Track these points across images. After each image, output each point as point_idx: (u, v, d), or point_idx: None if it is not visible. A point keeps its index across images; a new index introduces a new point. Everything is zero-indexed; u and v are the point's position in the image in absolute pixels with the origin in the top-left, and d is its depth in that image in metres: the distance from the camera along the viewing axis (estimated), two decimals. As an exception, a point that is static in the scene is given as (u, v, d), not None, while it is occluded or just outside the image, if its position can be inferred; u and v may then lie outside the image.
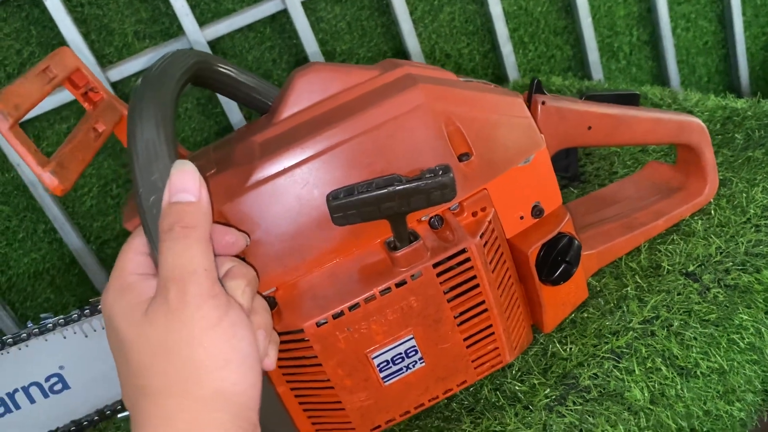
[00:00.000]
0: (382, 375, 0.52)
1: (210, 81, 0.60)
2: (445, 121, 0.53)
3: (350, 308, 0.50)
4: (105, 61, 1.09)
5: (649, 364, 0.57)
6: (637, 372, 0.57)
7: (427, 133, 0.52)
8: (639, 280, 0.64)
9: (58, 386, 0.67)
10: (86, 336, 0.66)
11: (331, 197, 0.47)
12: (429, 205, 0.47)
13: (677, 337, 0.59)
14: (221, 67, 0.60)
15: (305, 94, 0.54)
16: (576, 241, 0.58)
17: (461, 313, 0.52)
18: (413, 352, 0.52)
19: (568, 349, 0.60)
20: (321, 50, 1.16)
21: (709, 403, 0.61)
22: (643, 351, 0.58)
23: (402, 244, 0.50)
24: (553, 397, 0.56)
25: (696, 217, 0.69)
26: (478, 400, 0.59)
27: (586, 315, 0.63)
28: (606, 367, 0.57)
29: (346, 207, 0.47)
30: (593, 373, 0.57)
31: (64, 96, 1.03)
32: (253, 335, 0.41)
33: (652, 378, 0.57)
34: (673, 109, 0.89)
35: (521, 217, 0.57)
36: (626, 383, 0.56)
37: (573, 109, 0.62)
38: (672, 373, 0.57)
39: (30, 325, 0.64)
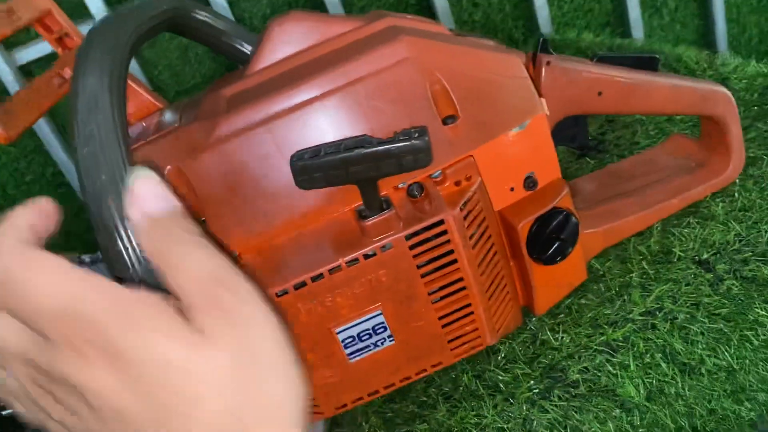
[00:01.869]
0: (347, 351, 0.48)
1: (186, 29, 0.56)
2: (431, 79, 0.48)
3: (313, 279, 0.46)
4: (113, 1, 1.06)
5: (647, 360, 0.52)
6: (632, 367, 0.52)
7: (410, 92, 0.48)
8: (646, 266, 0.59)
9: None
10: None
11: (296, 158, 0.43)
12: (401, 171, 0.43)
13: (681, 331, 0.53)
14: (198, 14, 0.56)
15: (281, 45, 0.50)
16: (573, 218, 0.52)
17: (436, 290, 0.48)
18: (382, 329, 0.48)
19: (559, 338, 0.55)
20: (339, -3, 1.11)
21: (714, 402, 0.55)
22: (641, 345, 0.53)
23: (372, 212, 0.46)
24: (537, 390, 0.52)
25: (718, 199, 0.63)
26: (457, 387, 0.55)
27: (583, 301, 0.58)
28: (598, 360, 0.52)
29: (311, 169, 0.43)
30: (583, 367, 0.52)
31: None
32: None
33: (650, 374, 0.52)
34: (707, 75, 0.82)
35: (512, 189, 0.52)
36: (619, 379, 0.52)
37: (582, 72, 0.56)
38: (673, 370, 0.52)
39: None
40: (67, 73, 0.54)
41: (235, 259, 0.48)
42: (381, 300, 0.47)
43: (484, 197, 0.50)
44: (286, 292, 0.46)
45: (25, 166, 1.10)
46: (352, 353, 0.48)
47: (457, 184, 0.49)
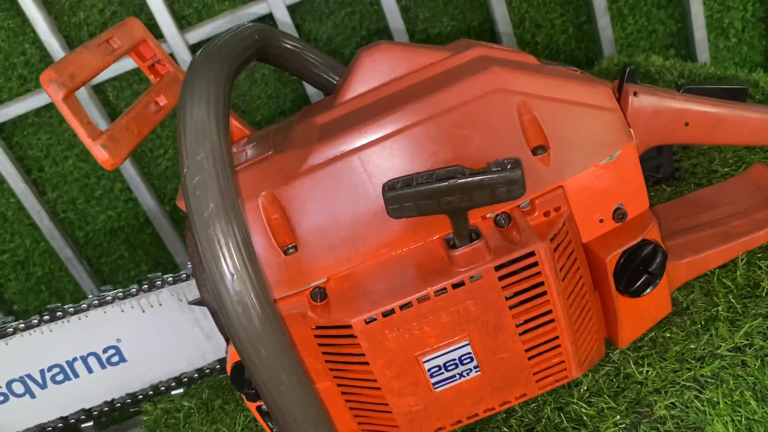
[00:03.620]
0: (433, 381, 0.48)
1: (274, 58, 0.57)
2: (520, 110, 0.48)
3: (402, 307, 0.46)
4: (184, 23, 1.09)
5: (736, 397, 0.51)
6: (722, 405, 0.50)
7: (499, 122, 0.48)
8: (733, 300, 0.57)
9: (115, 358, 0.67)
10: (143, 311, 0.66)
11: (388, 187, 0.44)
12: (494, 202, 0.43)
13: (773, 369, 0.52)
14: (287, 43, 0.57)
15: (371, 74, 0.51)
16: (661, 250, 0.51)
17: (524, 322, 0.48)
18: (468, 360, 0.48)
19: (644, 372, 0.54)
20: (402, 17, 1.12)
21: (807, 445, 0.53)
22: (731, 382, 0.51)
23: (462, 242, 0.46)
24: (623, 425, 0.51)
25: (807, 231, 0.60)
26: (539, 419, 0.54)
27: (668, 335, 0.56)
28: (686, 396, 0.51)
29: (403, 199, 0.43)
30: (671, 402, 0.51)
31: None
32: None
33: (738, 412, 0.50)
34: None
35: (601, 220, 0.51)
36: (708, 416, 0.50)
37: (669, 102, 0.55)
38: (763, 409, 0.50)
39: (90, 296, 0.65)
40: (162, 100, 0.56)
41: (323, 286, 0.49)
42: (468, 330, 0.47)
43: (573, 228, 0.50)
44: (374, 320, 0.46)
45: (95, 182, 1.14)
46: (437, 382, 0.48)
47: (546, 215, 0.49)
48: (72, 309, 0.65)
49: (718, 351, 0.53)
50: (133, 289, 0.65)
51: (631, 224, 0.52)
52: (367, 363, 0.48)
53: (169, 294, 0.65)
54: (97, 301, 0.65)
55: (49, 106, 1.08)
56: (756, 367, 0.52)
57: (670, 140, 0.57)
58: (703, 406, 0.51)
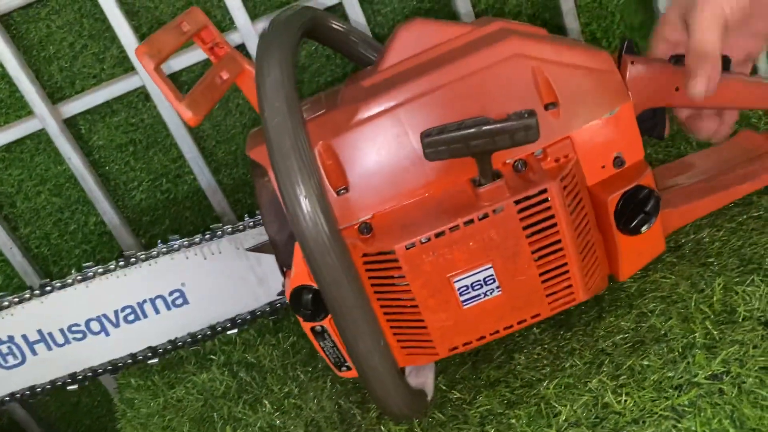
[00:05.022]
0: (462, 298, 0.57)
1: (322, 36, 0.67)
2: (534, 72, 0.57)
3: (436, 235, 0.55)
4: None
5: (714, 426, 0.50)
6: None
7: (517, 82, 0.57)
8: (709, 327, 0.58)
9: (179, 301, 0.77)
10: (205, 258, 0.75)
11: (425, 135, 0.53)
12: (513, 145, 0.52)
13: (750, 396, 0.51)
14: (333, 23, 0.67)
15: (407, 44, 0.61)
16: (655, 194, 0.60)
17: (538, 249, 0.57)
18: (491, 281, 0.57)
19: (622, 402, 0.55)
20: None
21: (787, 472, 0.50)
22: (709, 411, 0.51)
23: (486, 180, 0.55)
24: None
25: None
26: (519, 451, 0.55)
27: (646, 363, 0.57)
28: (664, 426, 0.51)
29: (438, 143, 0.53)
30: (649, 433, 0.51)
31: (114, 90, 1.02)
32: None
33: None
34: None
35: (603, 167, 0.60)
36: None
37: (662, 70, 0.64)
38: (741, 437, 0.49)
39: (160, 244, 0.75)
40: (225, 75, 0.65)
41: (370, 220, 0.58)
42: (491, 256, 0.56)
43: (579, 173, 0.59)
44: (413, 245, 0.56)
45: (69, 216, 1.11)
46: (465, 300, 0.58)
47: (557, 161, 0.58)
48: (144, 256, 0.74)
49: (696, 379, 0.54)
50: (197, 238, 0.75)
51: (629, 171, 0.61)
52: (407, 284, 0.57)
53: (228, 243, 0.75)
54: (165, 249, 0.74)
55: (20, 141, 1.04)
56: (733, 395, 0.51)
57: (663, 103, 0.66)
58: (681, 436, 0.50)
